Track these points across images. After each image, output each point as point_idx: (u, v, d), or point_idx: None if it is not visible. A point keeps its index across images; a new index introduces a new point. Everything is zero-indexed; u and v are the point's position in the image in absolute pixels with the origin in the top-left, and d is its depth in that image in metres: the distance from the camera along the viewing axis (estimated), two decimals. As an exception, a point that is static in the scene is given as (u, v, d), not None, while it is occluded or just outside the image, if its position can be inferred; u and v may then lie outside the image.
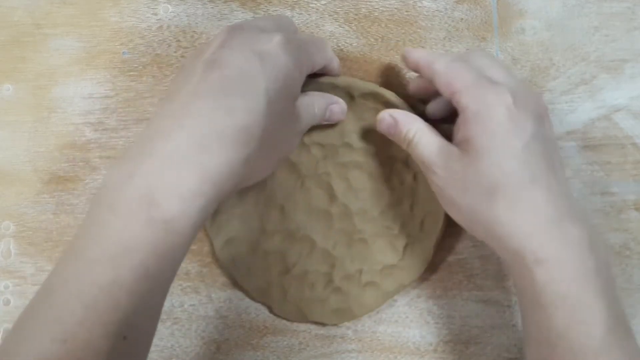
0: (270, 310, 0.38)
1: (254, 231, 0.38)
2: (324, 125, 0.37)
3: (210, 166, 0.27)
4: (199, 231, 0.28)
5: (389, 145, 0.37)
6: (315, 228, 0.38)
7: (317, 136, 0.38)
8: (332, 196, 0.38)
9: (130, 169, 0.26)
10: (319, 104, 0.35)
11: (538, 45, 0.40)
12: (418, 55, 0.34)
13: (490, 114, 0.30)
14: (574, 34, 0.40)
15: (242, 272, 0.38)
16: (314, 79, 0.36)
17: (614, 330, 0.28)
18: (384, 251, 0.38)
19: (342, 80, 0.37)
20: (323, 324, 0.38)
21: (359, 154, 0.38)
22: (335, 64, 0.35)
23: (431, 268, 0.39)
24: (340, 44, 0.40)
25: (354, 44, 0.40)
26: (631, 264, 0.39)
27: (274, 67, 0.29)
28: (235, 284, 0.38)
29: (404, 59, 0.35)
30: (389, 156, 0.38)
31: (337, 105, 0.36)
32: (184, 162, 0.26)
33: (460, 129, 0.31)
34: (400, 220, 0.38)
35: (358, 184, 0.38)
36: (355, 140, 0.38)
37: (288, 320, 0.38)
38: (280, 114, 0.30)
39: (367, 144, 0.38)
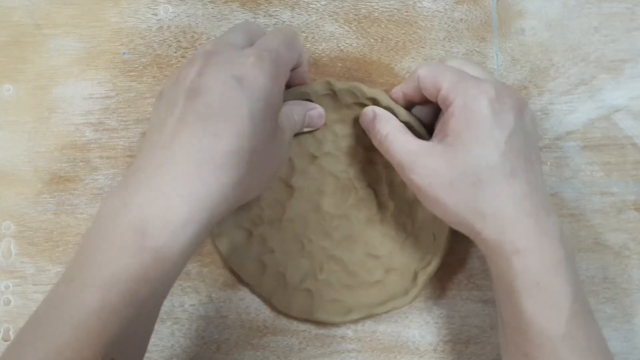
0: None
1: None
2: None
3: (202, 194, 0.27)
4: (192, 256, 0.29)
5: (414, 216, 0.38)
6: (299, 207, 0.39)
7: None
8: (333, 203, 0.39)
9: (124, 199, 0.27)
10: (297, 112, 0.35)
11: (538, 45, 0.40)
12: (399, 87, 0.36)
13: (476, 108, 0.31)
14: (573, 35, 0.40)
15: None
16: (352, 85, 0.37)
17: (578, 315, 0.30)
18: (305, 270, 0.39)
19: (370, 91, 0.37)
20: (229, 268, 0.38)
21: (384, 207, 0.39)
22: (305, 55, 0.36)
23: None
24: (340, 45, 0.40)
25: (354, 45, 0.40)
26: (631, 264, 0.39)
27: (253, 89, 0.29)
28: None
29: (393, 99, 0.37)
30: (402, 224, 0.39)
31: (315, 111, 0.37)
32: (176, 192, 0.27)
33: (447, 123, 0.32)
34: (341, 277, 0.39)
35: (355, 222, 0.39)
36: (393, 191, 0.39)
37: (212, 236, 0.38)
38: (265, 133, 0.30)
39: (401, 203, 0.39)
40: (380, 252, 0.38)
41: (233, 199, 0.29)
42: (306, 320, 0.38)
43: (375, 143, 0.36)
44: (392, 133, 0.34)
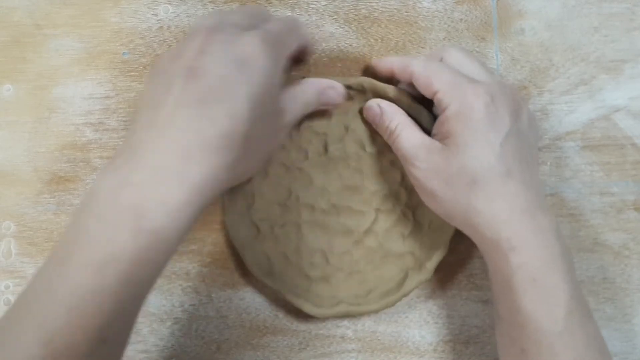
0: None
1: None
2: None
3: (197, 177, 0.27)
4: (185, 237, 0.29)
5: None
6: (314, 167, 0.38)
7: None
8: (338, 193, 0.38)
9: (120, 179, 0.27)
10: (309, 92, 0.35)
11: (538, 45, 0.40)
12: (390, 61, 0.36)
13: (471, 113, 0.31)
14: (573, 35, 0.40)
15: None
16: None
17: (575, 312, 0.30)
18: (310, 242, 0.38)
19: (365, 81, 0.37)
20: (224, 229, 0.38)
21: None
22: (310, 41, 0.35)
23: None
24: (340, 45, 0.40)
25: (354, 45, 0.40)
26: (630, 264, 0.39)
27: (254, 72, 0.29)
28: None
29: (375, 69, 0.37)
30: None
31: (333, 90, 0.36)
32: (172, 175, 0.27)
33: (443, 125, 0.33)
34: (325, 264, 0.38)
35: (340, 223, 0.38)
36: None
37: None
38: (262, 117, 0.30)
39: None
40: (332, 261, 0.38)
41: (225, 181, 0.29)
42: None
43: (384, 137, 0.36)
44: (400, 127, 0.35)
